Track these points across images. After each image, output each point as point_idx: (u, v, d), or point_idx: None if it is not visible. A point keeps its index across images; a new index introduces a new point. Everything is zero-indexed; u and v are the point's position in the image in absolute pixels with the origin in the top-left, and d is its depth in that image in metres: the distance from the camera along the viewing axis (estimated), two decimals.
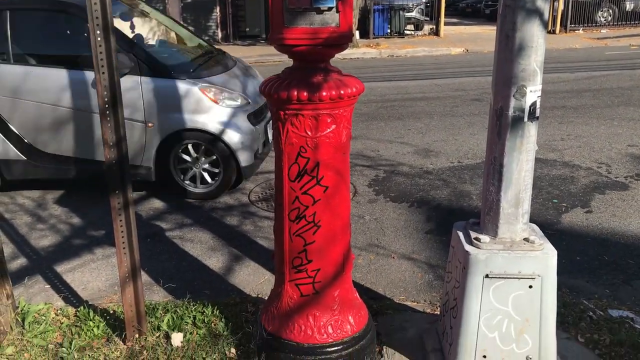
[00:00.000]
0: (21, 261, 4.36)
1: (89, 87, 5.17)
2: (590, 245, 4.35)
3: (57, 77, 5.23)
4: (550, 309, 2.57)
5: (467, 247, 2.58)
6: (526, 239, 2.56)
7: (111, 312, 3.46)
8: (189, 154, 5.40)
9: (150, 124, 5.19)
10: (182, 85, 5.24)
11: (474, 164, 6.28)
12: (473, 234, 2.62)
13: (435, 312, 3.44)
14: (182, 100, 5.22)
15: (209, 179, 5.48)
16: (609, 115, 8.16)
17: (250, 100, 5.52)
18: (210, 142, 5.30)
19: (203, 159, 5.40)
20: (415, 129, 7.86)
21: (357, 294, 3.00)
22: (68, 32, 5.66)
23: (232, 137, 5.26)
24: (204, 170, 5.45)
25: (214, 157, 5.37)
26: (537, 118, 2.43)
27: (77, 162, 5.46)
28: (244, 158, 5.33)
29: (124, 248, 3.02)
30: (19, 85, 5.26)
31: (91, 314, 3.41)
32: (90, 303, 3.66)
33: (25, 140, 5.39)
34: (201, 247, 4.53)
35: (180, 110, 5.23)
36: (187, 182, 5.51)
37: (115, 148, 2.86)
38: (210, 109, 5.25)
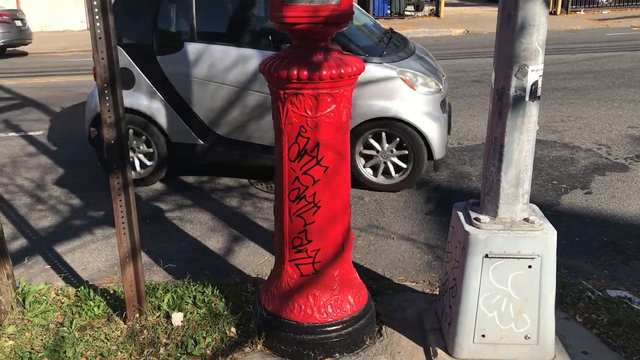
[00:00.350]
0: (21, 242, 4.37)
1: None
2: (589, 226, 4.36)
3: (239, 57, 4.90)
4: (550, 289, 2.58)
5: (467, 227, 2.58)
6: (526, 219, 2.57)
7: (111, 292, 3.48)
8: (371, 144, 4.97)
9: None
10: (379, 70, 4.77)
11: (474, 145, 6.27)
12: (473, 214, 2.62)
13: (434, 292, 3.45)
14: (376, 87, 4.76)
15: (393, 172, 5.03)
16: (610, 96, 8.13)
17: (441, 86, 5.00)
18: (403, 131, 4.82)
19: (393, 149, 4.93)
20: None
21: (357, 274, 3.01)
22: (253, 10, 5.26)
23: (429, 127, 4.78)
24: (390, 161, 5.00)
25: (403, 147, 4.91)
26: (539, 97, 2.42)
27: (255, 148, 5.10)
28: (438, 150, 4.86)
29: (123, 228, 3.02)
30: (201, 64, 4.95)
31: (91, 294, 3.42)
32: (90, 283, 3.67)
33: (204, 123, 5.07)
34: (201, 228, 4.54)
35: (372, 97, 4.78)
36: (369, 173, 5.07)
37: (114, 127, 2.85)
38: (407, 95, 4.78)
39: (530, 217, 2.57)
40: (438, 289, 3.42)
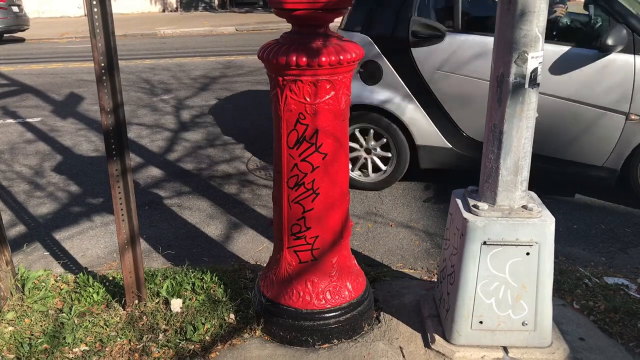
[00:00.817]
0: (20, 228, 4.37)
1: (568, 66, 4.18)
2: (587, 213, 4.37)
3: None
4: (547, 276, 2.59)
5: (466, 214, 2.58)
6: (524, 207, 2.57)
7: (110, 278, 3.48)
8: None
9: (634, 117, 4.09)
10: None
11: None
12: (471, 202, 2.62)
13: (432, 279, 3.46)
14: None
15: None
16: None
17: None
18: None
19: None
20: None
21: (355, 261, 3.02)
22: None
23: None
24: None
25: None
26: (538, 85, 2.41)
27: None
28: None
29: (122, 215, 3.02)
30: (465, 59, 4.39)
31: (90, 280, 3.42)
32: (89, 270, 3.68)
33: (458, 125, 4.56)
34: (199, 215, 4.54)
35: None
36: None
37: (112, 114, 2.84)
38: None
39: (529, 204, 2.57)
40: (436, 275, 3.43)
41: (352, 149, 4.84)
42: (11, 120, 7.44)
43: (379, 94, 4.63)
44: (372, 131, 4.76)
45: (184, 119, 7.37)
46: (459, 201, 2.70)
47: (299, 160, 2.60)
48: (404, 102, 4.60)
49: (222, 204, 4.73)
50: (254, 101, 8.24)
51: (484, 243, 2.54)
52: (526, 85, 2.38)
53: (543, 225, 2.53)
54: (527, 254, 2.55)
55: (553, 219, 2.55)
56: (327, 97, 2.50)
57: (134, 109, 7.93)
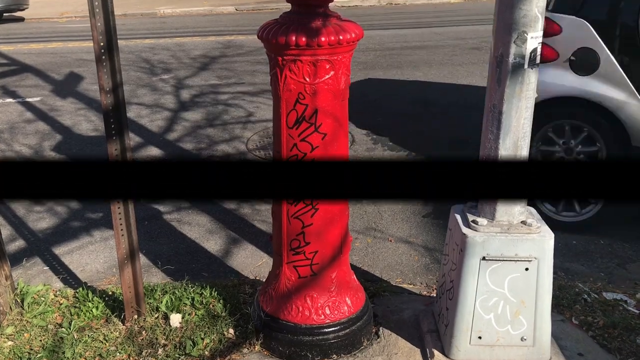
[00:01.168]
0: (19, 243, 4.37)
1: None
2: (586, 228, 4.37)
3: None
4: (546, 291, 2.60)
5: (465, 229, 2.60)
6: (523, 222, 2.58)
7: (110, 293, 3.48)
8: None
9: None
10: None
11: (472, 112, 6.27)
12: (471, 217, 2.63)
13: (432, 295, 3.47)
14: None
15: None
16: None
17: None
18: None
19: None
20: (413, 77, 7.86)
21: (354, 276, 3.03)
22: None
23: None
24: None
25: None
26: (538, 65, 2.42)
27: None
28: None
29: (121, 230, 3.03)
30: None
31: (90, 295, 3.43)
32: (89, 284, 3.68)
33: None
34: (199, 229, 4.55)
35: None
36: None
37: (112, 94, 2.81)
38: None
39: (528, 220, 2.59)
40: (435, 291, 3.43)
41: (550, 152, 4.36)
42: (11, 100, 7.40)
43: (594, 86, 4.10)
44: (567, 127, 4.23)
45: (183, 99, 7.34)
46: (458, 216, 2.72)
47: (298, 140, 2.59)
48: (623, 97, 4.04)
49: (221, 218, 4.73)
50: (254, 81, 8.24)
51: (483, 258, 2.55)
52: (525, 66, 2.39)
53: (542, 240, 2.54)
54: (526, 269, 2.56)
55: (552, 235, 2.56)
56: (327, 77, 2.50)
57: (134, 88, 7.90)
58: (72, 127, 6.22)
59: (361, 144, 5.45)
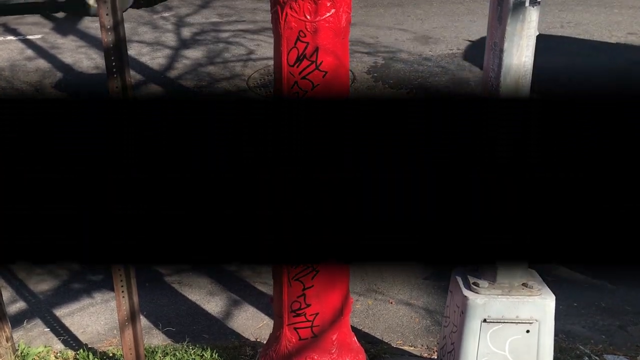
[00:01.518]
0: (20, 305, 4.36)
1: None
2: (586, 291, 4.37)
3: None
4: (547, 354, 2.60)
5: (466, 291, 2.61)
6: (524, 284, 2.60)
7: (111, 355, 3.47)
8: None
9: None
10: None
11: (473, 51, 6.23)
12: (472, 279, 2.65)
13: (433, 357, 3.45)
14: None
15: None
16: (610, 2, 7.92)
17: None
18: None
19: None
20: (414, 15, 7.78)
21: (355, 337, 3.03)
22: None
23: None
24: None
25: None
26: (539, 3, 2.41)
27: None
28: None
29: (122, 291, 3.04)
30: None
31: (91, 356, 3.41)
32: (89, 346, 3.66)
33: None
34: (200, 291, 4.54)
35: None
36: None
37: (112, 32, 2.77)
38: None
39: (529, 282, 2.61)
40: (436, 353, 3.42)
41: None
42: (12, 37, 7.33)
43: None
44: None
45: (184, 37, 7.25)
46: (459, 279, 2.74)
47: (299, 78, 2.56)
48: None
49: (222, 281, 4.73)
50: (254, 19, 8.13)
51: (484, 320, 2.56)
52: (527, 4, 2.38)
53: (543, 303, 2.56)
54: (527, 331, 2.57)
55: (553, 297, 2.58)
56: (328, 14, 2.48)
57: (135, 26, 7.77)
58: (73, 65, 6.15)
59: (362, 82, 5.37)
